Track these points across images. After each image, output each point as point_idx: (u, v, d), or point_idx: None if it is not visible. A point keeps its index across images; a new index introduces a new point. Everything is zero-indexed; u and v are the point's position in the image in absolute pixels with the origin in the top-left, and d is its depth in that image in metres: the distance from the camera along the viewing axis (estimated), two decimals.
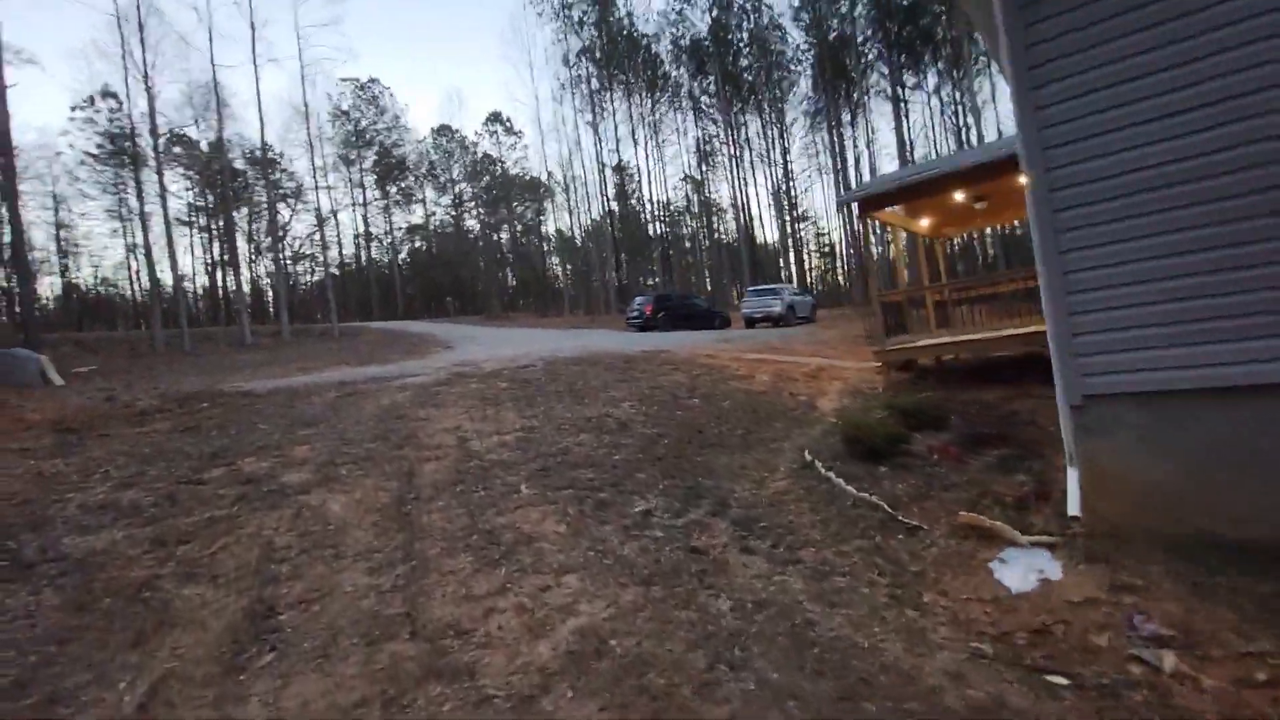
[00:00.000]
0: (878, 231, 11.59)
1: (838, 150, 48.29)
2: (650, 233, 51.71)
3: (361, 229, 55.48)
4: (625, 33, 43.68)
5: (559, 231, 59.00)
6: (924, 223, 13.71)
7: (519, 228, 59.67)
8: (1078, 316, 3.16)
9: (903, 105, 46.03)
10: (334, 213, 50.27)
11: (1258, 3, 2.68)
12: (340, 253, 55.10)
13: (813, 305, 27.50)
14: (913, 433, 5.80)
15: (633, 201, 51.55)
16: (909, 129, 46.18)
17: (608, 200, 45.70)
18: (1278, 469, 2.78)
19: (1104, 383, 3.10)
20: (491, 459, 5.43)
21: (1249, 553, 2.77)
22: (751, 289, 26.37)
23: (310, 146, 35.78)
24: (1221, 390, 2.84)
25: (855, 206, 10.24)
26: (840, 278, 55.40)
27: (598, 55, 43.13)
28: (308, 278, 55.74)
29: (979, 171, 9.56)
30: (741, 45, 46.68)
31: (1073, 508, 3.18)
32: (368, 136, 54.17)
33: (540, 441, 6.00)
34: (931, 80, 45.85)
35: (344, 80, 52.10)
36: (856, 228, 47.29)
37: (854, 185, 47.88)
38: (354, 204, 54.05)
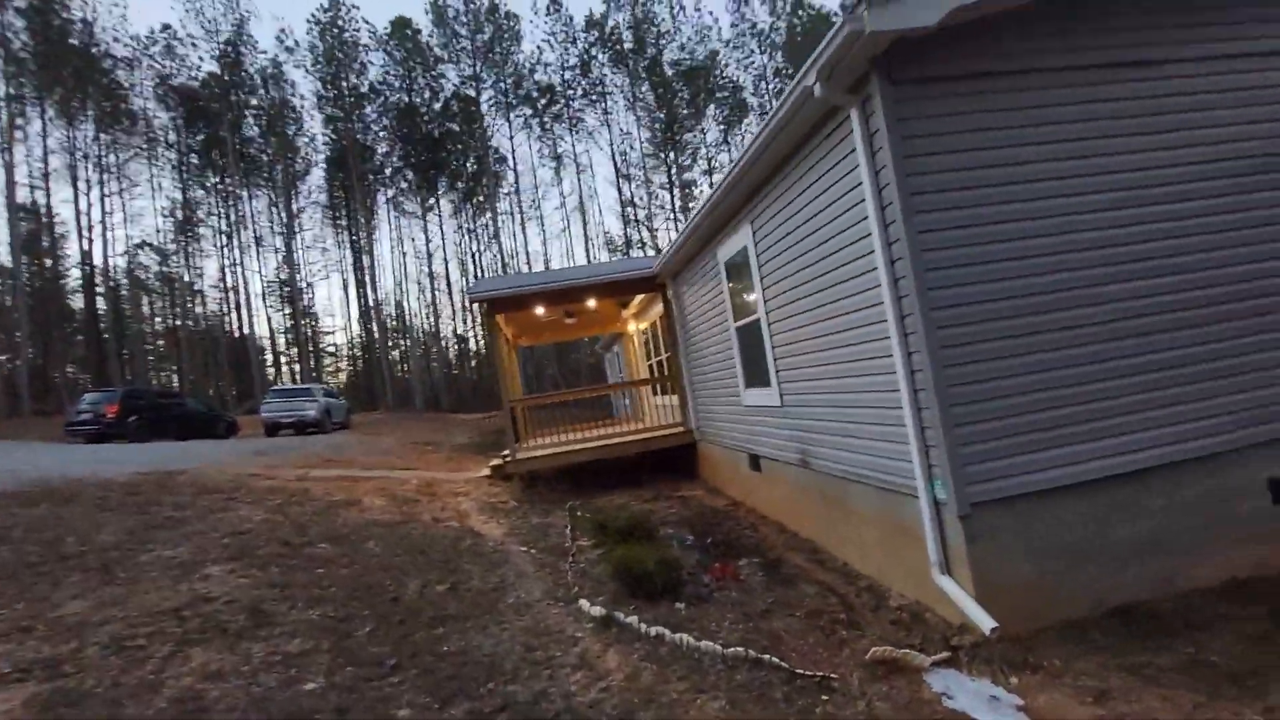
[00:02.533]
0: (488, 334, 11.25)
1: (358, 248, 46.62)
2: (90, 306, 37.60)
3: None
4: (80, 42, 32.46)
5: None
6: (511, 330, 13.95)
7: None
8: (961, 429, 3.33)
9: (422, 220, 48.19)
10: None
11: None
12: None
13: (347, 409, 24.46)
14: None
15: (60, 259, 36.91)
16: (428, 243, 48.37)
17: (15, 252, 31.36)
18: (1123, 549, 3.44)
19: (991, 489, 3.31)
20: None
21: (1129, 624, 3.28)
22: (275, 389, 21.68)
23: None
24: (1080, 485, 3.41)
25: (485, 305, 9.55)
26: (348, 378, 51.70)
27: (21, 55, 30.47)
28: None
29: (593, 289, 10.38)
30: (248, 112, 41.02)
31: (978, 619, 3.18)
32: None
33: (106, 694, 2.86)
34: (447, 206, 49.52)
35: None
36: (376, 327, 45.65)
37: (369, 288, 46.73)
38: None
